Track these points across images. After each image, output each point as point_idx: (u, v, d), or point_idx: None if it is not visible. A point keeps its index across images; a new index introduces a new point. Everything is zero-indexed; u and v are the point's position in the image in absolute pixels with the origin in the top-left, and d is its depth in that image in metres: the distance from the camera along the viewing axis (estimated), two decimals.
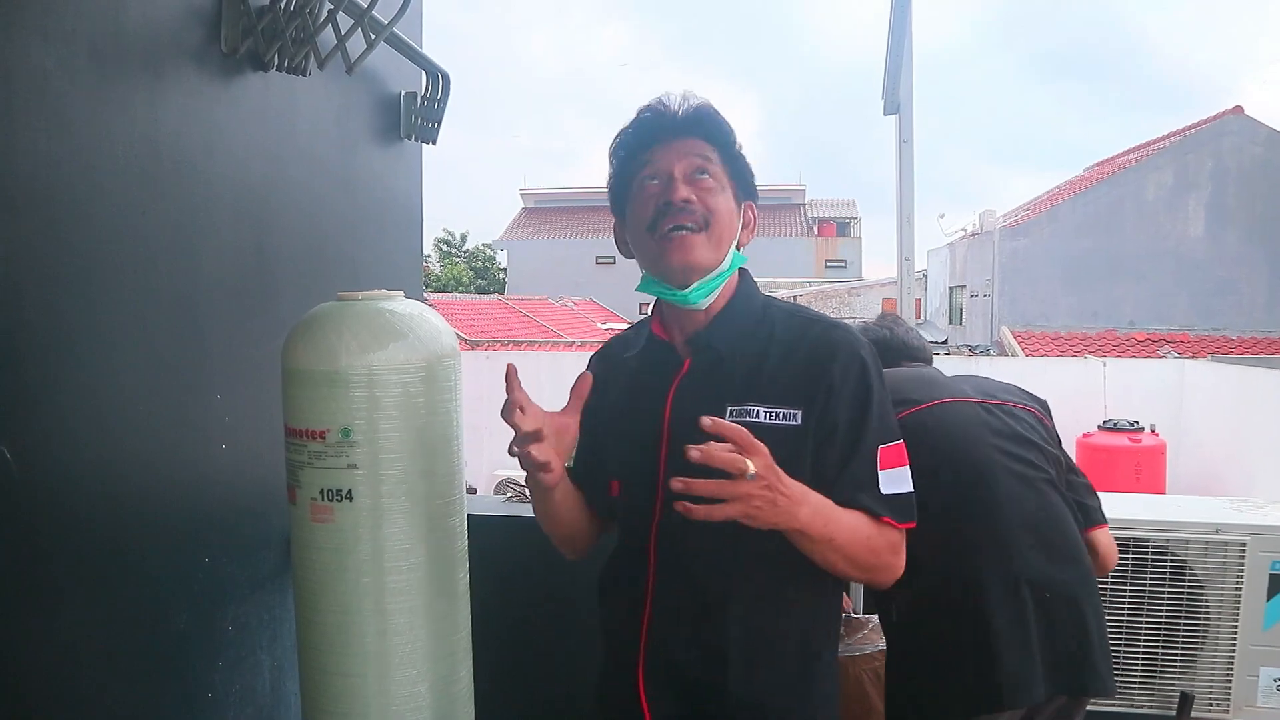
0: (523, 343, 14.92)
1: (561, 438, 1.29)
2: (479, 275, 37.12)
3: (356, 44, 1.96)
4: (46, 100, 1.35)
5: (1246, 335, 14.05)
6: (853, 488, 1.28)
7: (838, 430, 1.29)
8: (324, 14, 1.82)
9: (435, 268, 36.28)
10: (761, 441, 1.12)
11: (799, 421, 1.28)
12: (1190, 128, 15.68)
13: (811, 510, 1.19)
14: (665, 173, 1.32)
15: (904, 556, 1.33)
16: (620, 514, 1.45)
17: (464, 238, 38.97)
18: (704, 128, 1.35)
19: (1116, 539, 1.95)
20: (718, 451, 1.07)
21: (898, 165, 2.60)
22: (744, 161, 1.39)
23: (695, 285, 1.31)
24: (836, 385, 1.29)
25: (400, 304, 1.44)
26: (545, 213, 35.72)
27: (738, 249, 1.38)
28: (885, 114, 2.73)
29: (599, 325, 21.81)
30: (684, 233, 1.29)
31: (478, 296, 25.22)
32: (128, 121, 1.53)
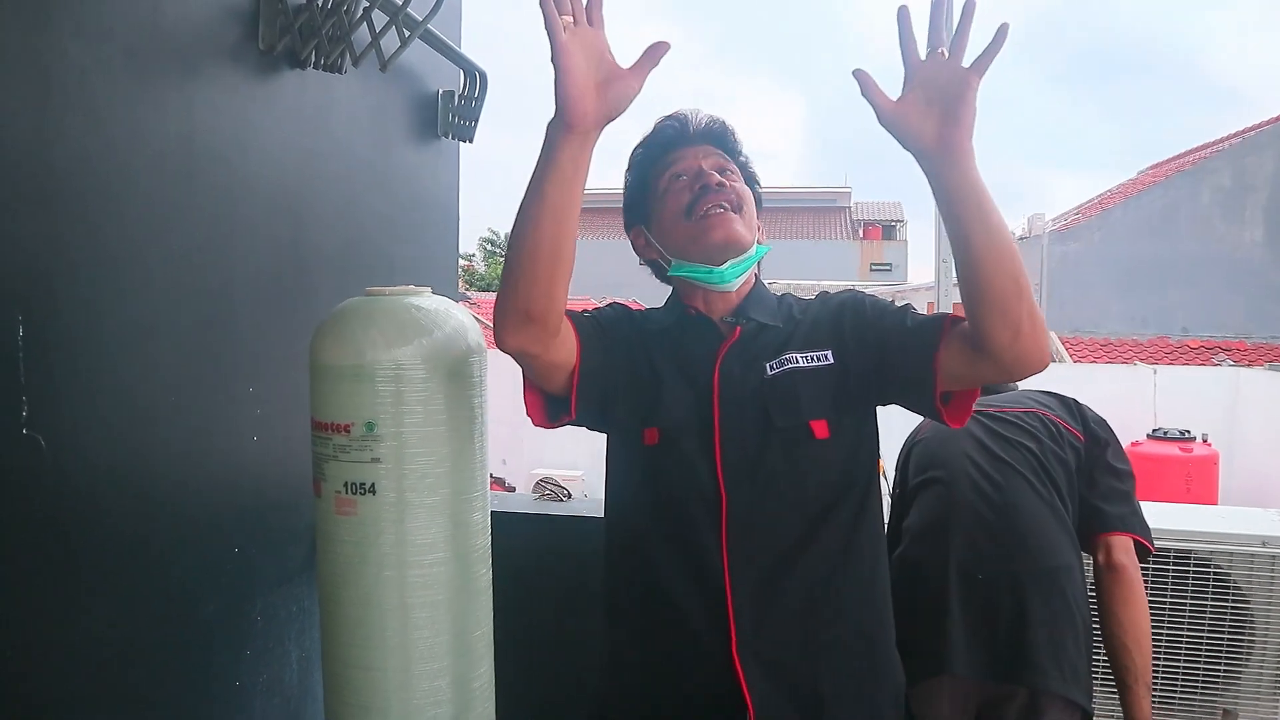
0: None
1: (604, 70, 1.13)
2: None
3: (392, 42, 1.98)
4: (83, 97, 1.38)
5: None
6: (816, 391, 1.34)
7: (880, 322, 1.36)
8: (359, 11, 1.84)
9: (480, 267, 36.54)
10: (801, 381, 1.32)
11: (831, 360, 1.35)
12: (1249, 130, 15.26)
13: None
14: (693, 169, 1.40)
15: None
16: (656, 470, 1.36)
17: (506, 236, 39.20)
18: (720, 139, 1.44)
19: (1158, 549, 1.90)
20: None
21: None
22: (755, 179, 1.48)
23: (729, 264, 1.37)
24: (851, 314, 1.39)
25: (427, 300, 1.45)
26: (589, 212, 35.69)
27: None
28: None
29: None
30: (723, 210, 1.36)
31: None
32: (164, 119, 1.56)
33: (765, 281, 1.49)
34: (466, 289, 26.11)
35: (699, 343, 1.40)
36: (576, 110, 1.11)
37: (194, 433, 1.63)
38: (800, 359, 1.34)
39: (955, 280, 1.39)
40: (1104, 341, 14.27)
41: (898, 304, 1.42)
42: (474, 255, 37.05)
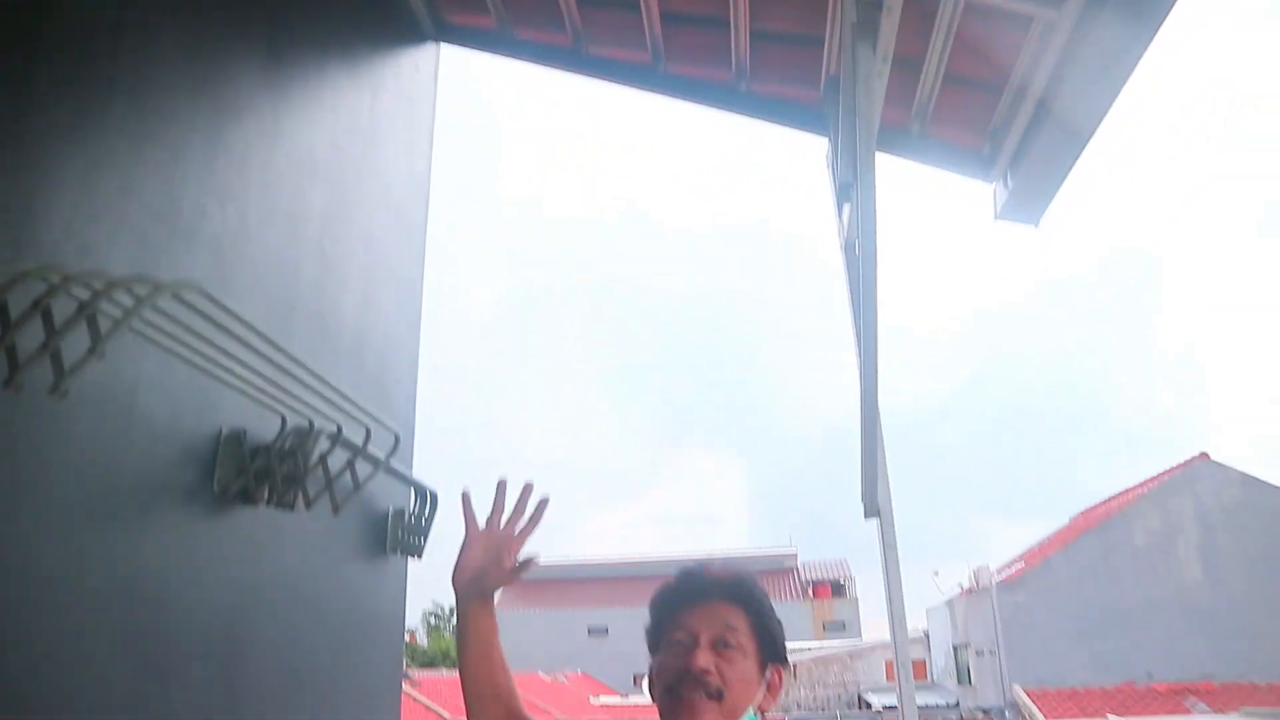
0: None
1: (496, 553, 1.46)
2: None
3: (347, 478, 2.05)
4: (27, 556, 1.37)
5: (1276, 680, 13.37)
6: None
7: None
8: (316, 455, 1.92)
9: (422, 641, 35.00)
10: None
11: None
12: (1165, 473, 16.09)
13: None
14: (693, 634, 1.40)
15: None
16: None
17: (453, 611, 38.03)
18: (738, 594, 1.43)
19: None
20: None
21: (884, 569, 2.61)
22: (776, 627, 1.44)
23: None
24: None
25: None
26: (538, 584, 35.10)
27: (759, 712, 1.40)
28: (866, 518, 2.79)
29: (592, 700, 20.65)
30: (698, 700, 1.35)
31: None
32: (108, 566, 1.56)
33: None
34: (409, 665, 24.77)
35: None
36: (455, 579, 1.44)
37: None
38: None
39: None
40: (1070, 692, 13.84)
41: None
42: (416, 630, 35.63)
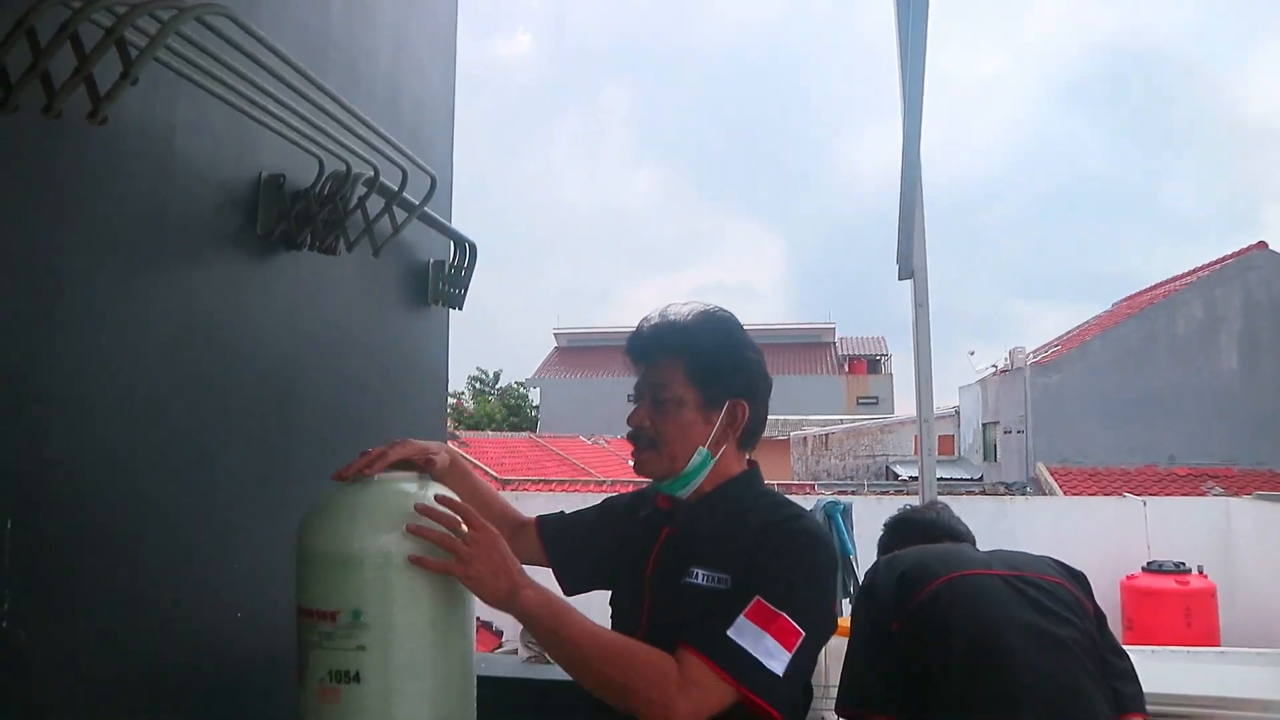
0: (554, 482, 14.86)
1: None
2: (511, 413, 37.33)
3: (385, 223, 2.07)
4: (87, 293, 1.44)
5: None
6: (700, 618, 1.34)
7: (740, 575, 1.38)
8: (354, 200, 1.93)
9: (468, 404, 36.62)
10: (697, 602, 1.35)
11: (727, 586, 1.38)
12: (1216, 262, 15.75)
13: (537, 597, 1.32)
14: (639, 395, 1.52)
15: (703, 702, 1.28)
16: None
17: (497, 376, 39.39)
18: (667, 344, 1.51)
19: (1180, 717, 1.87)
20: (428, 507, 1.31)
21: (914, 329, 2.63)
22: (721, 364, 1.50)
23: (664, 483, 1.51)
24: (757, 550, 1.40)
25: (415, 485, 1.47)
26: (578, 352, 36.18)
27: (715, 446, 1.50)
28: (900, 278, 2.78)
29: (630, 463, 21.67)
30: (640, 449, 1.50)
31: (510, 434, 25.30)
32: (164, 307, 1.62)
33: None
34: (455, 427, 26.05)
35: (648, 536, 1.54)
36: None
37: (175, 616, 1.62)
38: (702, 576, 1.41)
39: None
40: (1092, 471, 14.27)
41: (784, 573, 1.39)
42: (463, 393, 37.15)
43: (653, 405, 1.49)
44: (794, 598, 1.36)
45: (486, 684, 1.58)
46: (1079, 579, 1.90)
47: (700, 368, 1.49)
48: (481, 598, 1.33)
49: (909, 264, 2.79)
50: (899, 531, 2.20)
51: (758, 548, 1.40)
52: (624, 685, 1.31)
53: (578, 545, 1.67)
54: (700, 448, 1.48)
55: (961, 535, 2.11)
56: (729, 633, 1.31)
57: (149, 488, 1.56)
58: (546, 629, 1.35)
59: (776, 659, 1.31)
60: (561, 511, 1.74)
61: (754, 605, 1.33)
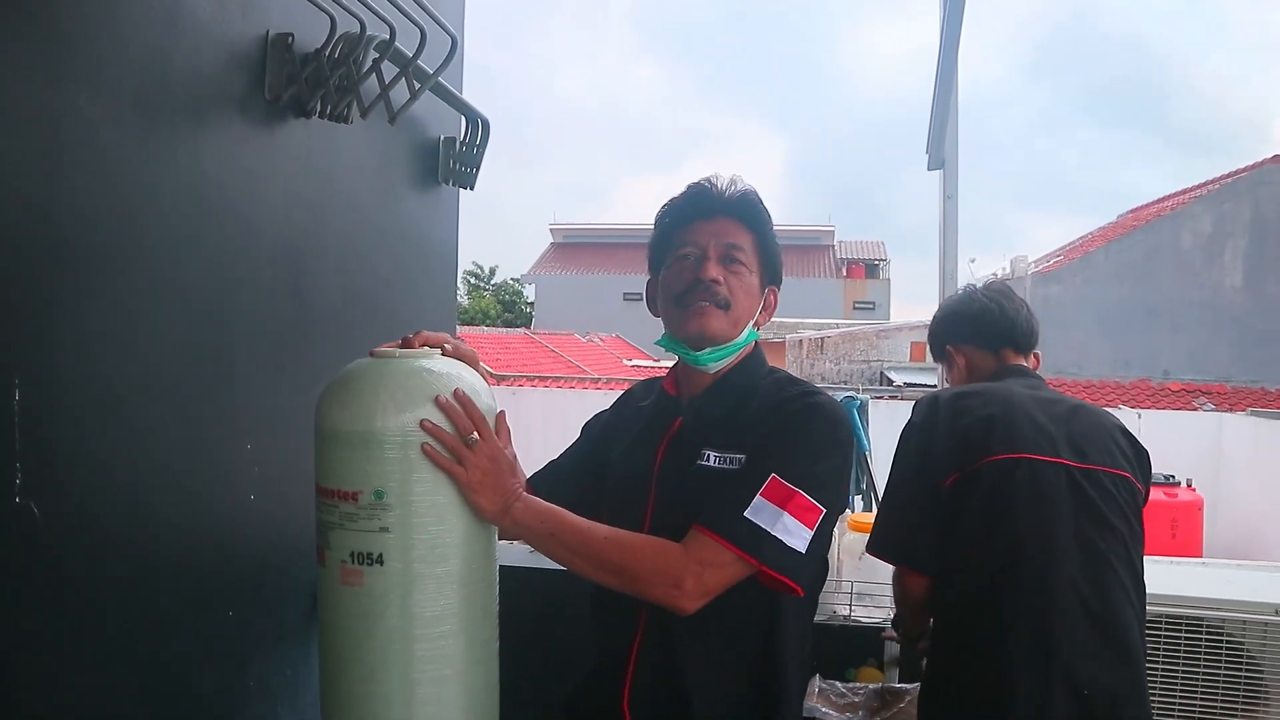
0: (549, 379, 14.88)
1: None
2: (507, 309, 37.28)
3: (399, 92, 1.95)
4: (93, 152, 1.34)
5: None
6: (714, 501, 1.33)
7: (754, 453, 1.36)
8: (368, 63, 1.82)
9: (463, 300, 36.52)
10: (709, 485, 1.34)
11: (740, 466, 1.36)
12: (1228, 176, 15.49)
13: (527, 508, 1.33)
14: (701, 248, 1.44)
15: (712, 579, 1.29)
16: None
17: (492, 271, 39.18)
18: (745, 212, 1.46)
19: (1167, 616, 1.86)
20: (449, 404, 1.27)
21: (941, 221, 2.58)
22: (776, 249, 1.49)
23: (708, 350, 1.43)
24: (771, 427, 1.38)
25: (437, 363, 1.40)
26: (574, 248, 35.86)
27: (756, 328, 1.49)
28: (929, 169, 2.70)
29: (625, 362, 21.78)
30: (705, 306, 1.42)
31: (505, 330, 25.28)
32: (171, 170, 1.52)
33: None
34: None
35: (656, 426, 1.52)
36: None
37: (191, 493, 1.58)
38: (714, 458, 1.40)
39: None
40: (1086, 383, 14.34)
41: (805, 448, 1.36)
42: (458, 288, 37.06)
43: (727, 264, 1.44)
44: (812, 474, 1.33)
45: (502, 573, 1.56)
46: (1142, 460, 1.78)
47: (766, 246, 1.48)
48: (475, 508, 1.32)
49: (940, 154, 2.70)
50: (949, 326, 2.03)
51: (772, 424, 1.38)
52: (628, 571, 1.31)
53: (573, 493, 1.57)
54: (750, 325, 1.47)
55: (1023, 337, 1.97)
56: (746, 514, 1.29)
57: (160, 356, 1.49)
58: (543, 534, 1.35)
59: (796, 536, 1.30)
60: (549, 462, 1.69)
61: (770, 483, 1.31)
